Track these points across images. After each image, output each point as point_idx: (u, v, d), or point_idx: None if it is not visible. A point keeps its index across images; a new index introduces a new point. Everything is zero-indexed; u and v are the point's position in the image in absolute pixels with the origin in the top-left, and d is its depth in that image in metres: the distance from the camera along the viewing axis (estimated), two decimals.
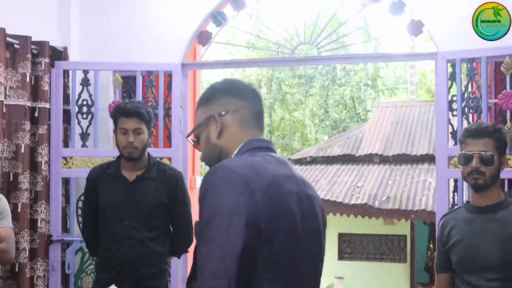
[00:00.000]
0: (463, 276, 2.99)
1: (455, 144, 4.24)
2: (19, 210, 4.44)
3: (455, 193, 4.35)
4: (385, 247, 13.87)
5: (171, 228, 3.92)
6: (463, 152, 3.02)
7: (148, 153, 3.86)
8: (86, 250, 4.59)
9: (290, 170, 1.99)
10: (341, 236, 14.04)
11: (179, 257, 4.29)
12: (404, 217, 11.70)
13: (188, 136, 2.15)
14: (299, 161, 14.11)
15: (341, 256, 14.06)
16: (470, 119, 4.30)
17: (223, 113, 2.02)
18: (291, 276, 1.85)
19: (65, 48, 4.88)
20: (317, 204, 2.01)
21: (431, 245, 14.06)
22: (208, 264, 1.73)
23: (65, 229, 4.85)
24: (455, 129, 4.33)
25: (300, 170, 13.45)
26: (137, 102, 4.12)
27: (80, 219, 4.69)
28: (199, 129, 2.07)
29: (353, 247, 14.06)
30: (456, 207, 3.52)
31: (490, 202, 2.99)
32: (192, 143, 2.14)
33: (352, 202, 11.66)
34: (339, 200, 11.70)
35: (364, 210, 11.66)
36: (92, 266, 4.79)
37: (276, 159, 1.98)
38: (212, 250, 1.73)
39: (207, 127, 2.04)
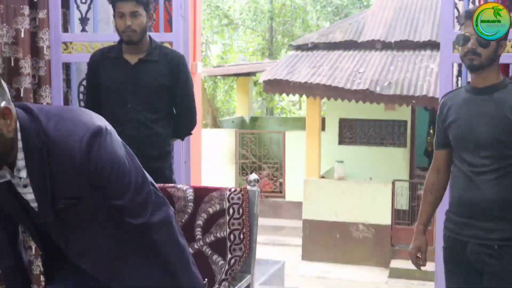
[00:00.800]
0: (459, 153, 3.07)
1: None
2: (21, 94, 4.43)
3: (459, 78, 4.34)
4: (386, 132, 13.95)
5: (174, 111, 3.94)
6: (461, 33, 3.03)
7: (149, 36, 3.83)
8: None
9: None
10: (341, 121, 14.10)
11: (182, 139, 4.33)
12: (405, 102, 11.71)
13: None
14: (300, 47, 13.93)
15: (341, 141, 14.17)
16: (477, 3, 4.23)
17: None
18: None
19: None
20: None
21: (431, 131, 14.16)
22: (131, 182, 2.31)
23: None
24: (460, 13, 4.26)
25: (301, 57, 13.35)
26: None
27: (82, 104, 4.71)
28: None
29: (353, 132, 14.14)
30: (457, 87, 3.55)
31: (487, 83, 3.01)
32: None
33: (354, 87, 11.60)
34: (341, 85, 11.62)
35: (366, 96, 11.64)
36: None
37: None
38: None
39: None
